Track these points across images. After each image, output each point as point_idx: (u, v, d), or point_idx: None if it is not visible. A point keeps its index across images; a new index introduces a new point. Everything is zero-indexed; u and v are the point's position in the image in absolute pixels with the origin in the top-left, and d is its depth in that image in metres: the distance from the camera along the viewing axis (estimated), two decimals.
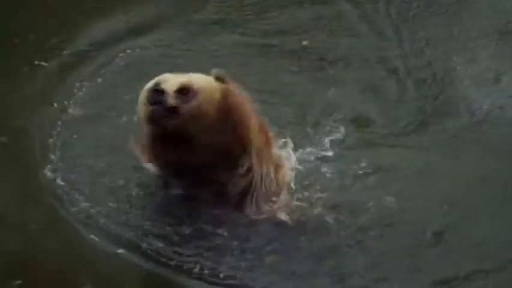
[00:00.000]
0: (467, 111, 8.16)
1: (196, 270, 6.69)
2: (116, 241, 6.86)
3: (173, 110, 6.65)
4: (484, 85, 8.42)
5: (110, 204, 7.07)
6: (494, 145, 7.81)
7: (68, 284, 6.69)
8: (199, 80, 6.81)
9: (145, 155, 7.00)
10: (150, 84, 6.80)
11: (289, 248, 6.84)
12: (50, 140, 7.61)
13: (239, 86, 6.91)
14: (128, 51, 8.77)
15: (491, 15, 9.29)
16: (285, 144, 7.46)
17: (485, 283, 6.66)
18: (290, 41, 9.01)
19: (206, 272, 6.69)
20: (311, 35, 9.10)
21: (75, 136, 7.68)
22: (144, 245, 6.82)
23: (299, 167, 7.33)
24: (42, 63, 8.56)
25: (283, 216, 7.00)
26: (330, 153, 7.53)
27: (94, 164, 7.37)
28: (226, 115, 6.81)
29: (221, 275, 6.67)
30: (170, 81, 6.75)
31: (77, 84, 8.31)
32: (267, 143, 7.06)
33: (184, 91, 6.71)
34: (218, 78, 6.86)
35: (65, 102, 8.09)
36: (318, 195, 7.16)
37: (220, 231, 6.87)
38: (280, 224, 6.96)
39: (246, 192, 6.95)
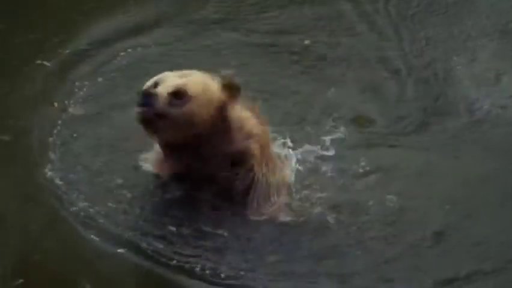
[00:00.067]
0: (467, 111, 8.14)
1: (197, 270, 6.66)
2: (116, 241, 6.82)
3: (161, 115, 6.59)
4: (484, 85, 8.40)
5: (110, 204, 7.02)
6: (494, 145, 7.79)
7: (68, 283, 6.65)
8: (197, 84, 6.72)
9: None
10: (150, 82, 6.76)
11: (289, 248, 6.82)
12: (50, 139, 7.57)
13: (244, 94, 6.88)
14: (130, 50, 8.74)
15: (491, 15, 9.27)
16: (284, 144, 7.44)
17: (485, 283, 6.64)
18: (290, 41, 8.97)
19: (206, 272, 6.65)
20: (311, 34, 9.06)
21: (75, 135, 7.63)
22: (144, 245, 6.78)
23: (299, 167, 7.30)
24: (44, 62, 8.53)
25: (283, 216, 6.98)
26: (330, 153, 7.50)
27: (93, 163, 7.33)
28: (221, 126, 6.77)
29: (221, 275, 6.63)
30: (168, 82, 6.69)
31: (78, 84, 8.27)
32: (267, 144, 7.02)
33: (178, 95, 6.65)
34: (225, 86, 6.77)
35: (66, 102, 8.05)
36: (318, 195, 7.13)
37: (220, 231, 6.84)
38: (280, 224, 6.94)
39: (246, 193, 6.91)
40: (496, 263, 6.76)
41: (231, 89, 6.78)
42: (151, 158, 7.17)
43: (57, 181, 7.16)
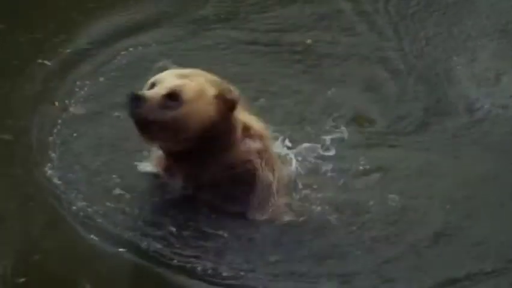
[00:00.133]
0: (467, 111, 8.12)
1: (197, 270, 6.62)
2: (116, 241, 6.78)
3: (148, 119, 6.53)
4: (484, 85, 8.38)
5: (110, 204, 6.98)
6: (495, 145, 7.77)
7: (68, 283, 6.61)
8: (193, 88, 6.64)
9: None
10: (150, 81, 6.72)
11: (290, 248, 6.78)
12: (50, 139, 7.53)
13: (241, 104, 6.83)
14: (131, 49, 8.70)
15: (491, 14, 9.24)
16: (285, 144, 7.41)
17: (486, 283, 6.62)
18: (291, 40, 8.94)
19: (206, 272, 6.62)
20: (312, 34, 9.03)
21: (75, 135, 7.59)
22: (144, 245, 6.75)
23: (299, 167, 7.27)
24: (45, 61, 8.48)
25: (284, 216, 6.94)
26: (330, 153, 7.47)
27: (93, 163, 7.28)
28: (220, 133, 6.72)
29: (222, 275, 6.61)
30: (165, 83, 6.63)
31: (78, 83, 8.23)
32: (266, 145, 6.97)
33: (173, 96, 6.59)
34: (219, 96, 6.69)
35: (66, 101, 8.01)
36: (319, 194, 7.11)
37: (220, 231, 6.81)
38: (281, 224, 6.91)
39: (246, 193, 6.87)
40: (496, 263, 6.73)
41: (226, 101, 6.71)
42: (151, 157, 7.13)
43: (57, 181, 7.12)
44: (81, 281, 6.56)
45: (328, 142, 7.55)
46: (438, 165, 7.54)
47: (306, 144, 7.45)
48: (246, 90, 7.58)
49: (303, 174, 7.23)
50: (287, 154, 7.34)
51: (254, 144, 6.89)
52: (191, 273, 6.61)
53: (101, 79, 8.31)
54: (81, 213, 6.92)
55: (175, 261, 6.65)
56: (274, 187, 6.94)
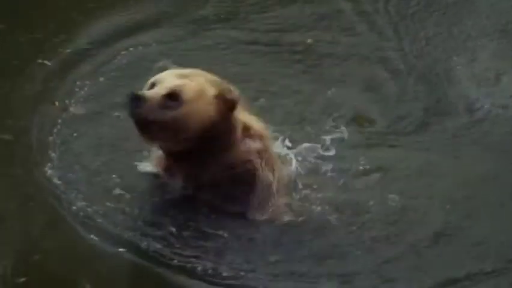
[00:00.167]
0: (467, 111, 8.10)
1: (197, 270, 6.60)
2: (116, 241, 6.76)
3: (148, 119, 6.50)
4: (484, 85, 8.36)
5: (109, 204, 6.96)
6: (495, 145, 7.75)
7: (68, 283, 6.59)
8: (194, 88, 6.61)
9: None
10: (150, 81, 6.70)
11: (290, 248, 6.76)
12: (50, 138, 7.50)
13: (241, 104, 6.81)
14: (131, 49, 8.68)
15: (491, 14, 9.21)
16: (285, 144, 7.39)
17: (486, 284, 6.61)
18: (290, 40, 8.91)
19: (206, 272, 6.59)
20: (312, 34, 9.00)
21: (75, 135, 7.56)
22: (144, 245, 6.73)
23: (299, 167, 7.24)
24: (45, 61, 8.46)
25: (284, 216, 6.92)
26: (330, 153, 7.45)
27: (93, 163, 7.26)
28: (221, 133, 6.69)
29: (222, 275, 6.58)
30: (165, 83, 6.61)
31: (78, 83, 8.20)
32: (266, 145, 6.95)
33: (173, 96, 6.56)
34: (219, 96, 6.66)
35: (66, 101, 7.98)
36: (319, 194, 7.08)
37: (220, 231, 6.78)
38: (281, 224, 6.88)
39: (246, 193, 6.84)
40: (496, 263, 6.72)
41: (226, 101, 6.68)
42: (151, 157, 7.11)
43: (57, 180, 7.09)
44: (81, 281, 6.53)
45: (328, 142, 7.52)
46: (438, 165, 7.52)
47: (306, 144, 7.43)
48: (246, 90, 7.57)
49: (303, 174, 7.20)
50: (287, 154, 7.32)
51: (254, 144, 6.87)
52: (191, 273, 6.58)
53: (101, 79, 8.28)
54: (81, 213, 6.90)
55: (175, 261, 6.63)
56: (274, 187, 6.91)
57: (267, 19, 9.16)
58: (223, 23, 9.09)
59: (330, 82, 8.32)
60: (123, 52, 8.64)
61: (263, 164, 6.86)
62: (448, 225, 6.96)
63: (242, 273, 6.59)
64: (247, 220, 6.83)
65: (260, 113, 7.40)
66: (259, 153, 6.87)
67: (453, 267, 6.67)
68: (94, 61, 8.53)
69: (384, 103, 8.19)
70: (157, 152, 7.01)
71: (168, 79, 6.64)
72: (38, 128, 7.64)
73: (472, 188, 7.30)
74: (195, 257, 6.65)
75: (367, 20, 9.19)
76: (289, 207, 6.96)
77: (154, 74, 6.79)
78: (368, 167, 7.37)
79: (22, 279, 6.53)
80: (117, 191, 7.00)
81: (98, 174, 7.14)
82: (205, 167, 6.77)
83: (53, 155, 7.32)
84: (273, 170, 6.92)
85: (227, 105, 6.68)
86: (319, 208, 6.99)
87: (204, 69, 6.84)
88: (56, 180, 7.10)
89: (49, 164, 7.23)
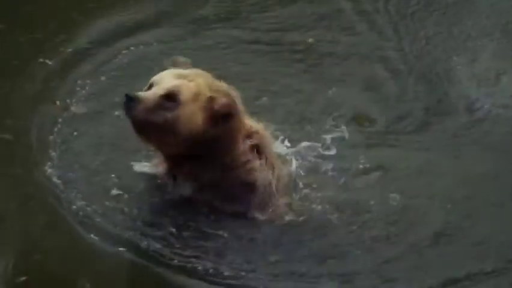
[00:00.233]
0: (467, 111, 8.07)
1: (197, 270, 6.57)
2: (116, 240, 6.73)
3: (144, 121, 6.45)
4: (485, 85, 8.34)
5: (109, 203, 6.94)
6: (495, 145, 7.72)
7: (68, 282, 6.56)
8: (191, 89, 6.55)
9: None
10: (151, 81, 6.64)
11: (290, 248, 6.74)
12: (51, 137, 7.47)
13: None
14: (132, 48, 8.64)
15: (491, 14, 9.19)
16: (285, 143, 7.35)
17: (486, 284, 6.58)
18: (291, 40, 8.88)
19: (207, 272, 6.57)
20: (312, 33, 8.97)
21: (76, 134, 7.53)
22: (144, 245, 6.69)
23: (300, 166, 7.20)
24: (46, 61, 8.42)
25: (284, 216, 6.87)
26: (331, 152, 7.42)
27: (93, 162, 7.24)
28: (219, 135, 6.63)
29: (222, 275, 6.56)
30: (162, 83, 6.54)
31: (79, 82, 8.17)
32: (266, 145, 6.89)
33: (170, 97, 6.49)
34: (212, 99, 6.58)
35: (67, 100, 7.95)
36: (319, 194, 7.05)
37: (221, 231, 6.75)
38: (281, 224, 6.85)
39: (246, 193, 6.79)
40: (497, 263, 6.69)
41: (214, 110, 6.59)
42: (153, 158, 7.06)
43: (57, 180, 7.07)
44: (81, 280, 6.52)
45: (328, 141, 7.49)
46: (438, 165, 7.50)
47: (306, 144, 7.40)
48: (247, 90, 7.60)
49: (303, 173, 7.17)
50: (287, 153, 7.28)
51: (253, 145, 6.79)
52: (191, 273, 6.55)
53: (103, 78, 8.25)
54: (81, 213, 6.88)
55: (175, 260, 6.60)
56: (274, 187, 6.86)
57: (267, 19, 9.14)
58: (223, 22, 9.06)
59: (331, 81, 8.30)
60: (124, 51, 8.61)
61: (263, 164, 6.81)
62: (448, 225, 6.94)
63: (242, 273, 6.56)
64: (247, 220, 6.79)
65: (261, 112, 7.41)
66: (259, 153, 6.81)
67: (453, 267, 6.64)
68: (95, 60, 8.50)
69: (385, 103, 8.17)
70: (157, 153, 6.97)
71: (166, 79, 6.58)
72: (38, 127, 7.61)
73: (472, 188, 7.27)
74: (195, 256, 6.62)
75: (367, 20, 9.17)
76: (289, 207, 6.92)
77: (164, 68, 6.75)
78: (368, 166, 7.34)
79: (23, 278, 6.51)
80: (117, 191, 6.97)
81: (98, 174, 7.12)
82: (205, 168, 6.71)
83: (53, 154, 7.29)
84: (272, 170, 6.87)
85: (216, 113, 6.59)
86: (319, 207, 6.96)
87: (204, 68, 6.79)
88: (55, 180, 7.07)
89: (49, 163, 7.20)
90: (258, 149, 6.80)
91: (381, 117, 7.97)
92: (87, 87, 8.11)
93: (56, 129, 7.55)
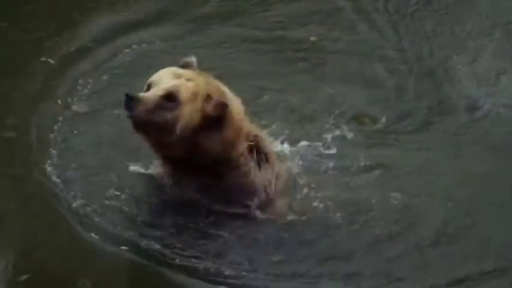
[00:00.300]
0: (467, 110, 8.03)
1: (198, 269, 6.53)
2: (116, 240, 6.68)
3: (144, 121, 6.38)
4: (485, 84, 8.29)
5: (111, 203, 6.89)
6: (495, 144, 7.67)
7: (68, 281, 6.51)
8: (190, 88, 6.46)
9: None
10: (149, 81, 6.56)
11: (292, 247, 6.69)
12: (51, 136, 7.43)
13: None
14: (135, 46, 8.60)
15: (491, 14, 9.13)
16: (286, 142, 7.30)
17: (487, 284, 6.54)
18: (293, 38, 8.83)
19: (207, 271, 6.52)
20: (313, 32, 8.90)
21: (76, 132, 7.49)
22: (144, 244, 6.64)
23: (301, 165, 7.15)
24: (48, 60, 8.37)
25: (285, 215, 6.82)
26: (332, 151, 7.37)
27: (93, 161, 7.20)
28: (209, 132, 6.54)
29: (223, 275, 6.51)
30: (161, 84, 6.46)
31: (81, 81, 8.12)
32: (263, 145, 6.82)
33: (170, 97, 6.41)
34: (208, 97, 6.50)
35: (69, 99, 7.91)
36: (320, 193, 7.00)
37: (221, 231, 6.71)
38: (283, 223, 6.80)
39: (246, 194, 6.73)
40: (498, 262, 6.64)
41: (215, 107, 6.51)
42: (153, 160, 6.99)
43: (56, 179, 7.03)
44: (81, 280, 6.47)
45: (329, 140, 7.45)
46: (438, 164, 7.46)
47: (307, 143, 7.35)
48: (248, 88, 7.65)
49: (304, 172, 7.11)
50: (288, 152, 7.23)
51: (252, 146, 6.71)
52: (191, 273, 6.51)
53: (105, 77, 8.21)
54: (81, 212, 6.84)
55: (176, 260, 6.56)
56: (273, 187, 6.81)
57: (268, 17, 9.07)
58: (225, 21, 9.00)
59: (332, 80, 8.27)
60: (125, 50, 8.56)
61: (261, 165, 6.75)
62: (449, 224, 6.89)
63: (243, 273, 6.51)
64: (248, 220, 6.74)
65: (262, 111, 7.45)
66: (258, 154, 6.74)
67: (455, 267, 6.61)
68: (96, 59, 8.46)
69: (385, 102, 8.12)
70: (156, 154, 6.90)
71: (165, 79, 6.50)
72: (39, 126, 7.57)
73: (472, 187, 7.23)
74: (196, 256, 6.57)
75: (368, 19, 9.10)
76: (290, 207, 6.87)
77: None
78: (368, 165, 7.30)
79: (23, 277, 6.48)
80: (117, 190, 6.93)
81: (98, 173, 7.07)
82: (203, 170, 6.64)
83: (53, 153, 7.25)
84: (272, 170, 6.82)
85: (214, 110, 6.51)
86: (320, 207, 6.92)
87: (206, 67, 6.75)
88: (55, 179, 7.03)
89: (49, 161, 7.16)
90: (257, 150, 6.73)
91: (381, 117, 7.90)
92: (88, 86, 8.07)
93: (56, 128, 7.50)
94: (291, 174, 7.05)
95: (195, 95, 6.45)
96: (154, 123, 6.39)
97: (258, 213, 6.75)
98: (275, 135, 7.29)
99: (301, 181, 7.04)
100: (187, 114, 6.43)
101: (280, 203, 6.85)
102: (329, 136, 7.48)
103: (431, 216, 6.95)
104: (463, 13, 9.15)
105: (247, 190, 6.71)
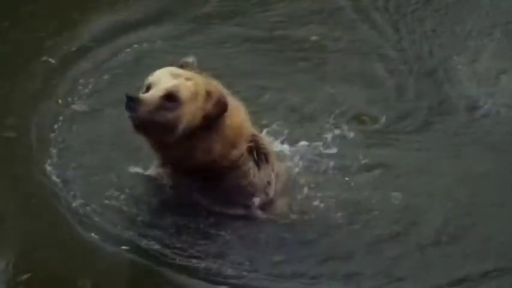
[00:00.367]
0: (468, 110, 7.97)
1: (198, 269, 6.48)
2: (117, 239, 6.64)
3: (144, 121, 6.31)
4: (485, 84, 8.23)
5: (111, 203, 6.84)
6: (495, 144, 7.61)
7: (68, 281, 6.46)
8: (190, 87, 6.40)
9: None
10: (145, 83, 6.50)
11: (293, 247, 6.64)
12: (52, 135, 7.38)
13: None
14: (136, 45, 8.56)
15: (491, 13, 9.08)
16: (286, 142, 7.26)
17: (488, 284, 6.48)
18: (294, 37, 8.79)
19: (208, 271, 6.47)
20: (314, 31, 8.86)
21: (76, 132, 7.45)
22: (144, 244, 6.60)
23: (301, 165, 7.11)
24: (49, 59, 8.33)
25: (286, 215, 6.78)
26: (332, 151, 7.32)
27: (93, 161, 7.15)
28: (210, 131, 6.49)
29: (223, 275, 6.46)
30: (160, 84, 6.39)
31: (82, 81, 8.08)
32: (261, 145, 6.77)
33: (170, 97, 6.34)
34: (209, 94, 6.46)
35: (70, 99, 7.86)
36: (321, 193, 6.96)
37: (222, 231, 6.66)
38: (283, 223, 6.75)
39: (247, 195, 6.68)
40: (498, 262, 6.59)
41: (216, 103, 6.47)
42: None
43: (56, 178, 6.99)
44: (82, 279, 6.43)
45: (329, 140, 7.41)
46: (439, 164, 7.40)
47: (307, 142, 7.31)
48: (249, 88, 7.67)
49: (304, 172, 7.07)
50: (288, 152, 7.19)
51: (251, 147, 6.67)
52: (192, 273, 6.46)
53: (106, 76, 8.17)
54: (81, 212, 6.80)
55: (176, 260, 6.52)
56: (273, 186, 6.76)
57: (269, 17, 9.03)
58: (225, 20, 8.95)
59: (333, 80, 8.22)
60: (126, 50, 8.52)
61: (260, 164, 6.71)
62: (449, 224, 6.84)
63: (244, 273, 6.47)
64: (248, 220, 6.70)
65: (263, 110, 7.43)
66: (257, 154, 6.70)
67: (456, 267, 6.56)
68: (97, 59, 8.41)
69: (385, 102, 8.06)
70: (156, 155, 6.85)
71: (164, 80, 6.42)
72: (39, 126, 7.52)
73: (472, 187, 7.18)
74: (196, 256, 6.53)
75: (368, 19, 9.05)
76: (291, 206, 6.82)
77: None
78: (369, 165, 7.26)
79: (23, 277, 6.43)
80: (116, 190, 6.88)
81: (98, 173, 7.02)
82: (203, 171, 6.59)
83: (53, 152, 7.20)
84: (272, 170, 6.77)
85: (217, 104, 6.47)
86: (321, 206, 6.86)
87: (207, 66, 6.70)
88: (55, 178, 6.99)
89: (49, 161, 7.11)
90: (256, 150, 6.68)
91: (382, 116, 7.84)
92: (89, 86, 8.02)
93: (56, 128, 7.46)
94: (291, 174, 6.99)
95: (195, 94, 6.39)
96: (155, 124, 6.31)
97: (258, 213, 6.70)
98: (275, 135, 7.24)
99: (301, 181, 6.98)
100: (189, 113, 6.37)
101: (280, 203, 6.80)
102: (329, 136, 7.44)
103: (431, 216, 6.89)
104: (463, 13, 9.10)
105: (246, 190, 6.66)
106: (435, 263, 6.55)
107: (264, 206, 6.72)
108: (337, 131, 7.52)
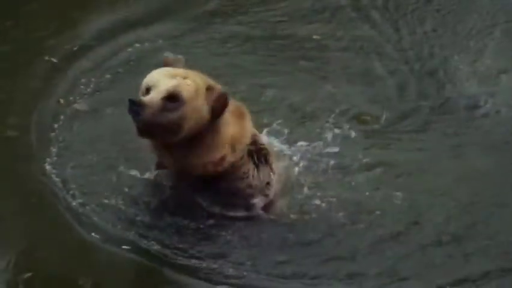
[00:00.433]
0: (468, 110, 7.91)
1: (199, 269, 6.43)
2: (117, 239, 6.58)
3: (149, 123, 6.23)
4: (486, 84, 8.16)
5: (111, 202, 6.78)
6: (496, 144, 7.55)
7: (69, 280, 6.41)
8: (190, 86, 6.32)
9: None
10: (143, 86, 6.40)
11: (295, 247, 6.58)
12: (52, 135, 7.34)
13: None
14: (137, 45, 8.52)
15: (492, 13, 9.02)
16: (286, 141, 7.22)
17: (489, 285, 6.41)
18: (294, 37, 8.74)
19: (208, 271, 6.41)
20: (315, 31, 8.80)
21: (76, 131, 7.41)
22: (144, 244, 6.54)
23: (301, 165, 7.06)
24: (51, 59, 8.28)
25: (287, 215, 6.71)
26: (332, 150, 7.27)
27: (93, 160, 7.09)
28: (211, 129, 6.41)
29: (224, 275, 6.40)
30: (160, 86, 6.30)
31: (83, 80, 8.04)
32: (264, 147, 6.72)
33: (172, 98, 6.26)
34: (209, 89, 6.39)
35: (71, 98, 7.82)
36: (322, 192, 6.89)
37: (223, 231, 6.60)
38: (285, 223, 6.69)
39: (247, 196, 6.62)
40: (501, 262, 6.54)
41: (218, 98, 6.39)
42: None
43: (58, 178, 6.94)
44: (82, 279, 6.38)
45: (330, 139, 7.36)
46: (439, 164, 7.33)
47: (308, 142, 7.25)
48: (251, 86, 7.67)
49: (305, 171, 7.00)
50: (289, 151, 7.14)
51: (250, 146, 6.62)
52: (192, 272, 6.41)
53: (106, 75, 8.12)
54: (80, 211, 6.74)
55: (177, 259, 6.47)
56: (273, 186, 6.71)
57: (271, 16, 8.98)
58: (227, 19, 8.91)
59: (334, 79, 8.16)
60: (128, 49, 8.48)
61: (260, 165, 6.65)
62: (450, 224, 6.78)
63: (245, 273, 6.41)
64: (249, 220, 6.63)
65: (263, 109, 7.40)
66: (257, 155, 6.64)
67: (458, 267, 6.49)
68: (98, 58, 8.37)
69: (386, 101, 8.00)
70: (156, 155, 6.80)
71: (162, 81, 6.34)
72: (40, 125, 7.47)
73: (473, 187, 7.11)
74: (197, 256, 6.48)
75: (369, 18, 8.99)
76: (291, 206, 6.76)
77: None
78: (369, 164, 7.20)
79: (24, 276, 6.39)
80: (117, 190, 6.82)
81: (98, 172, 6.98)
82: (203, 171, 6.53)
83: (53, 151, 7.16)
84: (271, 171, 6.71)
85: (218, 100, 6.39)
86: (322, 206, 6.80)
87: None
88: (55, 178, 6.94)
89: (49, 160, 7.06)
90: (256, 150, 6.62)
91: (382, 116, 7.78)
92: (91, 85, 7.98)
93: (57, 127, 7.41)
94: (291, 174, 6.93)
95: (196, 92, 6.31)
96: (160, 125, 6.23)
97: (258, 214, 6.63)
98: (276, 134, 7.20)
99: (302, 180, 6.91)
100: (192, 111, 6.29)
101: (280, 203, 6.73)
102: (329, 135, 7.39)
103: (432, 215, 6.83)
104: (464, 12, 9.05)
105: (246, 192, 6.59)
106: (437, 263, 6.49)
107: (264, 207, 6.64)
108: (338, 131, 7.46)
